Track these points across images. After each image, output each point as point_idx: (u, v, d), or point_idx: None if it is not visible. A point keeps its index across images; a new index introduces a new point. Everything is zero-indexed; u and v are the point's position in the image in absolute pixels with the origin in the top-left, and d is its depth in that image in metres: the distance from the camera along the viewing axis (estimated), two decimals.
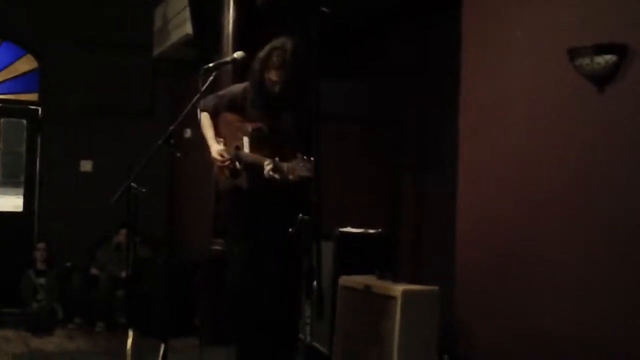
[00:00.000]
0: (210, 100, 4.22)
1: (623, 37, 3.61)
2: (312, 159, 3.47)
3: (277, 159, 3.64)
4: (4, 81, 8.01)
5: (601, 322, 3.64)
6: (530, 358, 4.07)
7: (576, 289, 3.80)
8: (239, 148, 4.03)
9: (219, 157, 4.05)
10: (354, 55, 7.09)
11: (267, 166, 3.66)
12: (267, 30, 4.79)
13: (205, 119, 4.20)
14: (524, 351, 4.11)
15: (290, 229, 3.24)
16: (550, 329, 3.94)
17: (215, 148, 4.09)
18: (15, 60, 8.05)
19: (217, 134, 4.17)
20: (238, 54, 4.07)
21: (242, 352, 4.09)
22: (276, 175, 3.62)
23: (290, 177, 3.50)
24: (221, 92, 4.30)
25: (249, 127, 3.95)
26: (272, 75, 3.95)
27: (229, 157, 4.04)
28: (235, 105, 4.13)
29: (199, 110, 4.16)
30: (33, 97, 8.13)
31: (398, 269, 5.84)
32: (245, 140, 3.97)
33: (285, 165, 3.56)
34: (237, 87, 4.23)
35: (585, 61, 3.70)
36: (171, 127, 3.85)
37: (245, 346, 4.07)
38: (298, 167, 3.48)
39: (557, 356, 3.88)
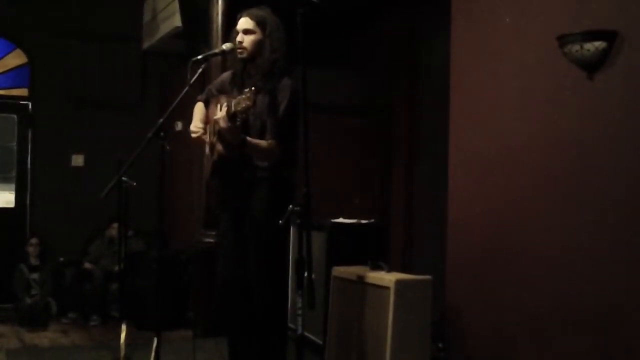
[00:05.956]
0: (205, 89, 4.23)
1: (612, 24, 3.61)
2: (252, 89, 3.47)
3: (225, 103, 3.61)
4: None
5: (591, 307, 3.67)
6: (522, 342, 4.08)
7: (566, 272, 3.81)
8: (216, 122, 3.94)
9: (193, 129, 3.98)
10: (344, 43, 7.07)
11: (222, 113, 3.62)
12: None
13: (197, 106, 4.18)
14: (516, 336, 4.13)
15: (280, 221, 3.20)
16: (542, 313, 3.95)
17: (194, 123, 4.04)
18: (4, 55, 8.00)
19: (207, 119, 4.09)
20: (227, 46, 4.04)
21: (233, 343, 4.06)
22: (224, 117, 3.57)
23: (239, 108, 3.48)
24: (215, 80, 4.30)
25: (224, 99, 3.83)
26: (239, 37, 3.93)
27: (202, 125, 3.97)
28: (224, 89, 4.09)
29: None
30: (23, 92, 8.08)
31: (391, 259, 5.84)
32: (219, 110, 3.83)
33: (232, 102, 3.52)
34: (228, 73, 4.21)
35: (574, 48, 3.70)
36: (160, 120, 3.83)
37: (235, 337, 4.05)
38: (241, 99, 3.47)
39: (548, 339, 3.90)
